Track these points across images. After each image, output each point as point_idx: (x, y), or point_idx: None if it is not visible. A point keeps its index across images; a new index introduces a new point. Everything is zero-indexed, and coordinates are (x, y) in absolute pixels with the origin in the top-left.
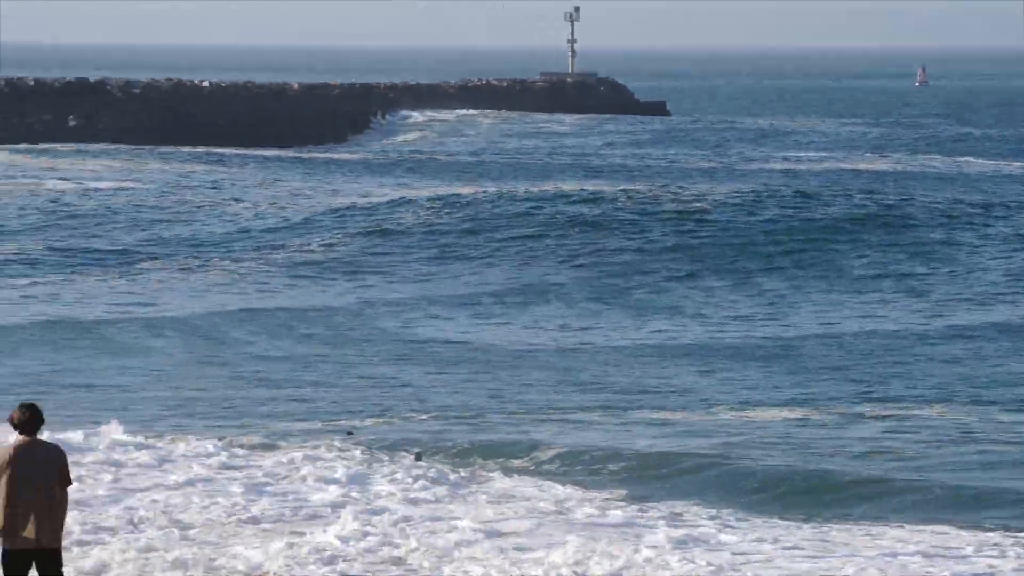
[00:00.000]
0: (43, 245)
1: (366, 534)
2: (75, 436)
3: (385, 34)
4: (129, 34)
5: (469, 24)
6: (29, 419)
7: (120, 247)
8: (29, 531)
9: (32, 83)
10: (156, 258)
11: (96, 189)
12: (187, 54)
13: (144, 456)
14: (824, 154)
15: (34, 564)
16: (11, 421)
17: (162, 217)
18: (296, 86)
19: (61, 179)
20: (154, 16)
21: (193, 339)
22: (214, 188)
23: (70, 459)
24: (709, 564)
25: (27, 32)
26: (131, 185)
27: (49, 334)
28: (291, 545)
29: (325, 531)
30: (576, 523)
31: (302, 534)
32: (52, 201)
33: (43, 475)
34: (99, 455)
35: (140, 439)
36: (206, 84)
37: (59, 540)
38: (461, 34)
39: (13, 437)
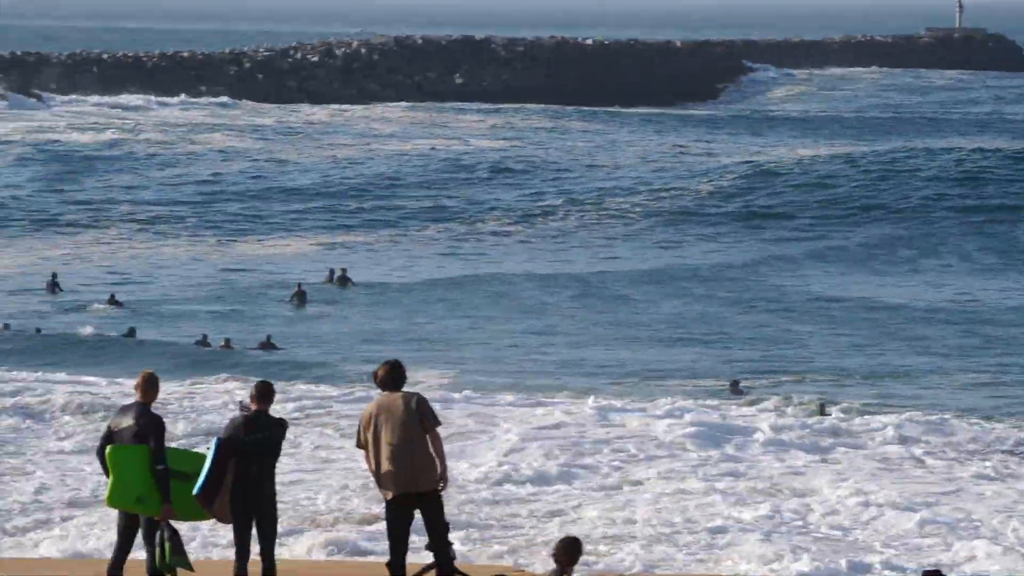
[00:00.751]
0: (437, 203)
1: None
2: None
3: None
4: None
5: None
6: (388, 374)
7: (505, 205)
8: (406, 478)
9: (420, 41)
10: (547, 214)
11: (478, 147)
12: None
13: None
14: None
15: (419, 514)
16: (374, 378)
17: (542, 175)
18: (679, 43)
19: (448, 137)
20: None
21: (590, 299)
22: (594, 145)
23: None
24: None
25: None
26: (503, 145)
27: (456, 291)
28: None
29: None
30: None
31: None
32: (443, 160)
33: (406, 426)
34: None
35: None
36: (589, 42)
37: (432, 486)
38: None
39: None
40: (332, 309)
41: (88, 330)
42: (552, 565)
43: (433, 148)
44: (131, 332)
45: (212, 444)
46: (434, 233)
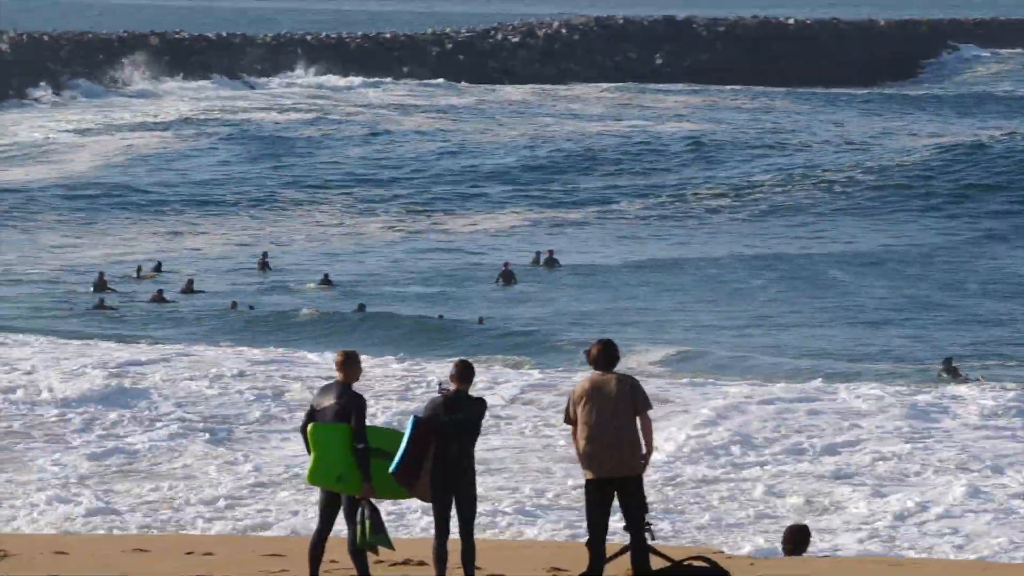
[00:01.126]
0: (639, 183)
1: None
2: None
3: None
4: None
5: None
6: (601, 353)
7: (709, 185)
8: (609, 460)
9: (621, 21)
10: (751, 195)
11: (680, 128)
12: None
13: None
14: None
15: (617, 496)
16: (587, 356)
17: (744, 155)
18: (882, 22)
19: (649, 117)
20: None
21: (795, 280)
22: (796, 124)
23: None
24: None
25: None
26: (704, 125)
27: (662, 273)
28: None
29: None
30: None
31: None
32: (643, 140)
33: (617, 407)
34: None
35: None
36: (791, 21)
37: (635, 471)
38: None
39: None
40: (539, 290)
41: (308, 310)
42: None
43: (633, 127)
44: (361, 307)
45: (409, 422)
46: (638, 212)
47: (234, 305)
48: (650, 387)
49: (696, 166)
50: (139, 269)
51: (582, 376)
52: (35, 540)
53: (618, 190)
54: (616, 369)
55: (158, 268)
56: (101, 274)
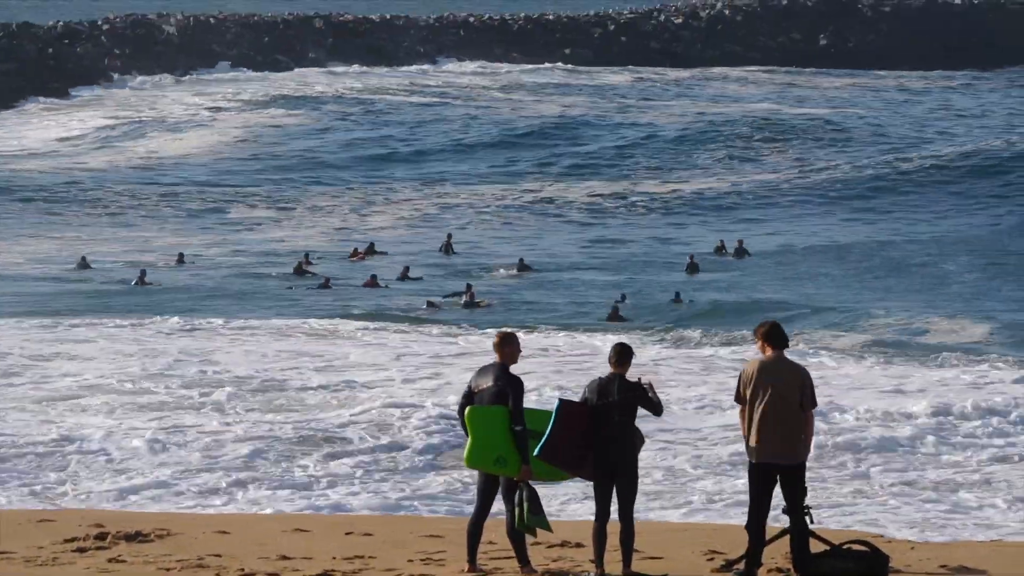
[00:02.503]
0: (810, 167)
1: None
2: None
3: None
4: None
5: None
6: (771, 330)
7: (880, 168)
8: (774, 446)
9: (785, 2)
10: (920, 176)
11: (848, 111)
12: None
13: None
14: None
15: (778, 479)
16: (756, 334)
17: (910, 139)
18: None
19: (813, 101)
20: None
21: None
22: (965, 107)
23: None
24: None
25: None
26: (871, 109)
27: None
28: None
29: None
30: None
31: None
32: (808, 122)
33: (784, 393)
34: None
35: None
36: (957, 1)
37: (798, 458)
38: None
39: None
40: (726, 278)
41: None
42: None
43: (795, 110)
44: (623, 298)
45: (555, 405)
46: (813, 197)
47: (430, 305)
48: (842, 371)
49: (866, 150)
50: (355, 251)
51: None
52: (197, 519)
53: (798, 174)
54: (791, 358)
55: (371, 249)
56: (306, 256)
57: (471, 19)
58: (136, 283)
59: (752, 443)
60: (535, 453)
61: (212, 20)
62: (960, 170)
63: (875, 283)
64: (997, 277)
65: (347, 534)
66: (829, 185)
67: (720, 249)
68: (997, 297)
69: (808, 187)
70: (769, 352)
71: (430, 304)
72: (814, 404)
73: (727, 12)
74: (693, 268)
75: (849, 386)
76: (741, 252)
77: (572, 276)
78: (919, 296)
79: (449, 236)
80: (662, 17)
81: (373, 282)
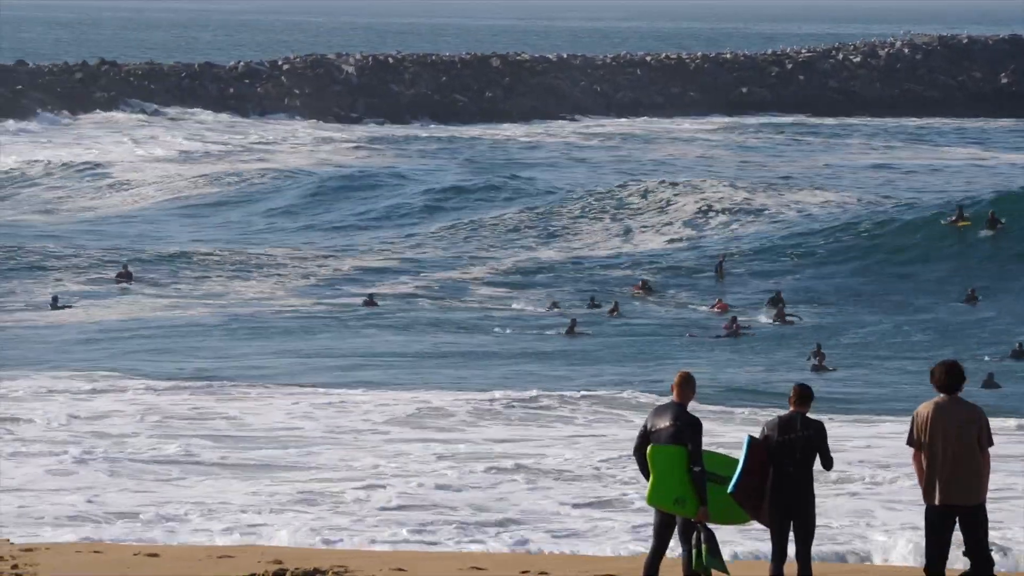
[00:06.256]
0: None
1: None
2: None
3: None
4: None
5: None
6: (944, 376)
7: None
8: (952, 488)
9: (965, 40)
10: None
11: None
12: None
13: None
14: None
15: (958, 522)
16: (932, 377)
17: None
18: None
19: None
20: None
21: None
22: None
23: None
24: None
25: None
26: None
27: None
28: None
29: None
30: None
31: None
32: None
33: (962, 434)
34: None
35: None
36: None
37: (978, 499)
38: None
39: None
40: None
41: None
42: None
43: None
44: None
45: (744, 442)
46: None
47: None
48: None
49: None
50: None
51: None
52: (376, 556)
53: None
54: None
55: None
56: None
57: (648, 58)
58: None
59: (930, 485)
60: (729, 490)
61: (391, 60)
62: None
63: None
64: None
65: (523, 572)
66: None
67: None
68: None
69: None
70: (944, 393)
71: None
72: (991, 443)
73: (907, 51)
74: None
75: None
76: (994, 222)
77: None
78: None
79: (723, 256)
80: (840, 56)
81: (616, 309)
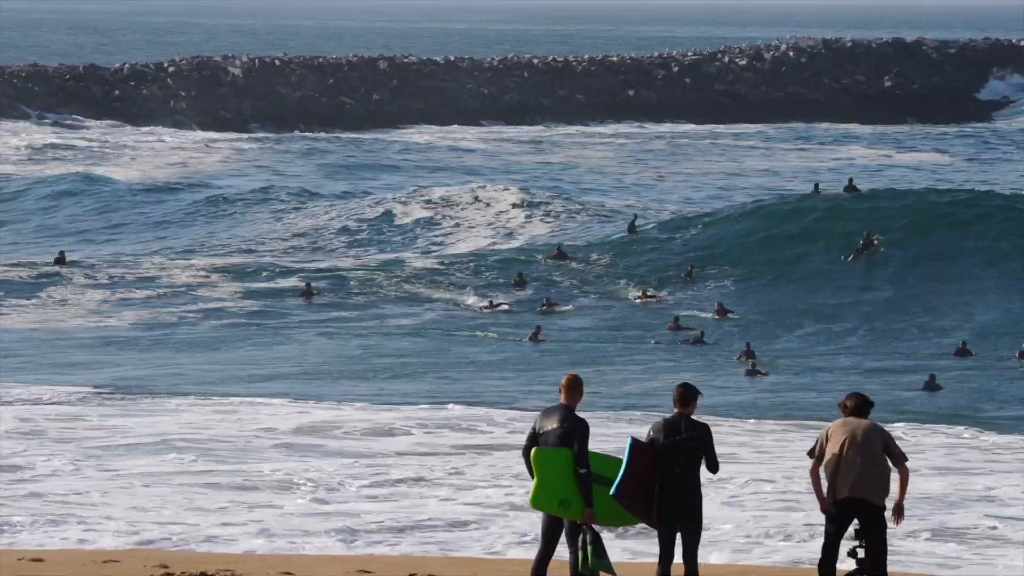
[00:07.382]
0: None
1: None
2: None
3: None
4: None
5: None
6: (853, 405)
7: None
8: (849, 482)
9: (849, 43)
10: None
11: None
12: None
13: None
14: None
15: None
16: (843, 408)
17: None
18: None
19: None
20: None
21: None
22: None
23: None
24: None
25: None
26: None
27: None
28: None
29: None
30: None
31: None
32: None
33: (867, 439)
34: None
35: None
36: None
37: (881, 500)
38: None
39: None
40: None
41: None
42: None
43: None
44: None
45: (627, 445)
46: None
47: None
48: None
49: None
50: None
51: None
52: (263, 560)
53: None
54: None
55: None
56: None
57: (536, 61)
58: None
59: (830, 482)
60: (612, 492)
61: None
62: None
63: None
64: None
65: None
66: None
67: None
68: None
69: None
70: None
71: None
72: (905, 458)
73: (792, 54)
74: None
75: None
76: None
77: None
78: None
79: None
80: (726, 59)
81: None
